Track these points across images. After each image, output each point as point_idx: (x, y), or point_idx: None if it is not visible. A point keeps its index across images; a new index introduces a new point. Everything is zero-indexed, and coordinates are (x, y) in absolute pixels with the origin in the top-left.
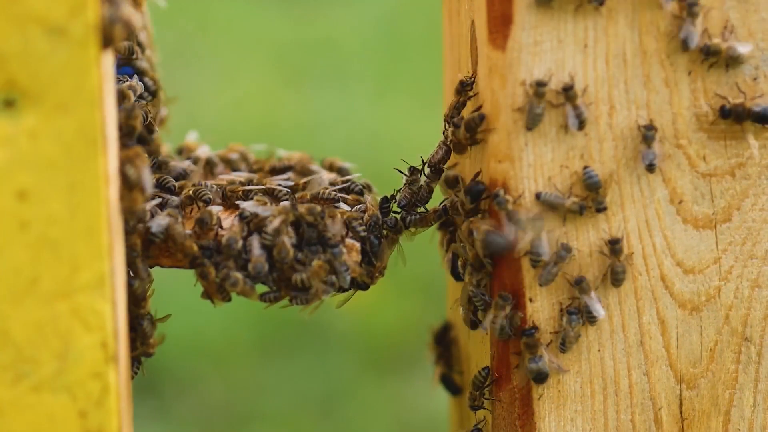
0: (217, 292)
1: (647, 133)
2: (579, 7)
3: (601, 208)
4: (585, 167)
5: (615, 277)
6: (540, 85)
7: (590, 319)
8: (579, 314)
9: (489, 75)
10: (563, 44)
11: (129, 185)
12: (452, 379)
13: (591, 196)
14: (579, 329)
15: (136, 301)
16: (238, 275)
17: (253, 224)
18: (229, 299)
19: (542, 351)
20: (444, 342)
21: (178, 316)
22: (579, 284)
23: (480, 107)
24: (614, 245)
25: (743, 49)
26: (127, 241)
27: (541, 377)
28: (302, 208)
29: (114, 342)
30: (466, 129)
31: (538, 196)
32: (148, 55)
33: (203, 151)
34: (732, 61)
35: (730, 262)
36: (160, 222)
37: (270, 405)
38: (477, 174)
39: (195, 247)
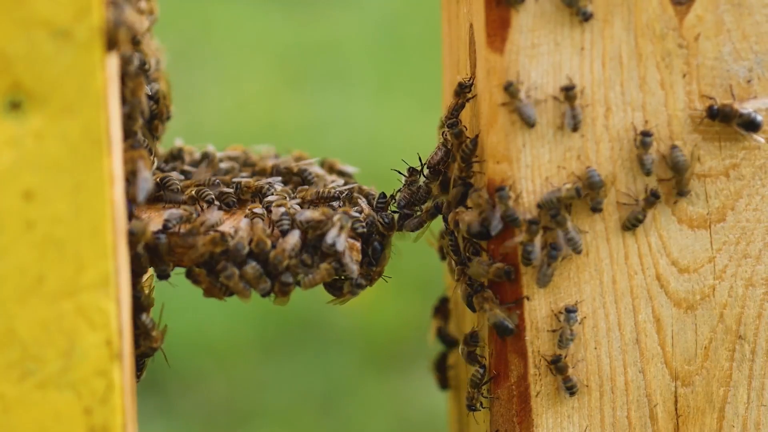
0: (213, 288)
1: (645, 139)
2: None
3: (597, 208)
4: (588, 167)
5: (631, 221)
6: (508, 86)
7: (574, 248)
8: (557, 250)
9: (487, 77)
10: (560, 47)
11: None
12: (447, 333)
13: (591, 194)
14: (576, 327)
15: (141, 308)
16: (235, 269)
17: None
18: (231, 293)
19: (490, 305)
20: (441, 303)
21: (182, 315)
22: (555, 217)
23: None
24: (655, 196)
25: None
26: (135, 283)
27: (500, 329)
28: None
29: (118, 340)
30: (462, 160)
31: (539, 206)
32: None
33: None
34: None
35: (725, 261)
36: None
37: (271, 402)
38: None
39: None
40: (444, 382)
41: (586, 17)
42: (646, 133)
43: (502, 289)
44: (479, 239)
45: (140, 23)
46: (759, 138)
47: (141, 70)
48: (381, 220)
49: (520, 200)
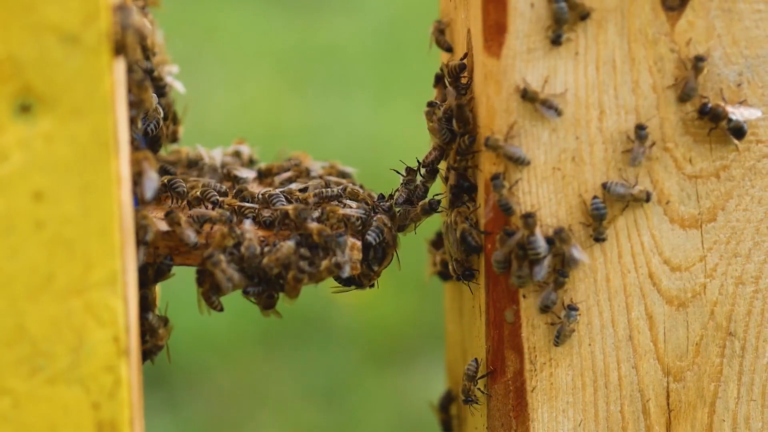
0: (212, 288)
1: (641, 132)
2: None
3: (600, 239)
4: (594, 198)
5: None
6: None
7: (574, 264)
8: (563, 272)
9: (484, 81)
10: (555, 51)
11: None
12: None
13: (593, 225)
14: (574, 325)
15: (146, 306)
16: (221, 256)
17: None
18: (220, 307)
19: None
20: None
21: (187, 311)
22: (559, 234)
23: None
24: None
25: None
26: (141, 291)
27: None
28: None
29: (126, 336)
30: (457, 153)
31: (604, 185)
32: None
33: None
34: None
35: (715, 260)
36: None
37: (275, 396)
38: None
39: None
40: (448, 424)
41: (556, 42)
42: (641, 126)
43: (498, 289)
44: (472, 251)
45: (147, 28)
46: (738, 144)
47: (147, 78)
48: (380, 207)
49: (513, 190)
